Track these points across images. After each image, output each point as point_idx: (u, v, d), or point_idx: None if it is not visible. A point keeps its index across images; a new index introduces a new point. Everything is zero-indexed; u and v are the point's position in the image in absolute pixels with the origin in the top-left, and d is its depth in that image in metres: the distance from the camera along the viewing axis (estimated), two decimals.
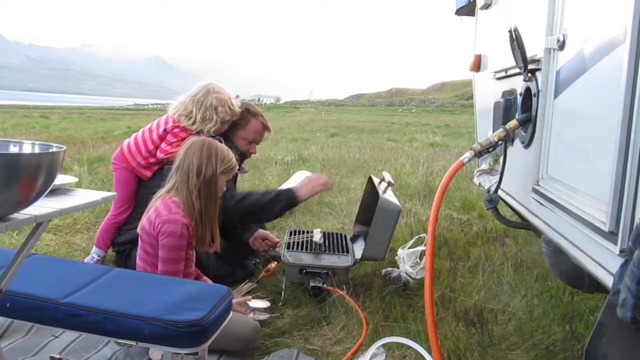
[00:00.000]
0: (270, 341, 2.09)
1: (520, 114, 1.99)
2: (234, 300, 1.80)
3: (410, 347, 1.81)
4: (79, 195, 1.37)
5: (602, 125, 1.30)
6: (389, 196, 2.54)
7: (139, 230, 2.01)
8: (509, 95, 2.18)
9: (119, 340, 1.45)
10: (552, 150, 1.69)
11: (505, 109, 2.16)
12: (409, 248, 2.71)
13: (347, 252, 2.73)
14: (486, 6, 2.68)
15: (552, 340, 2.05)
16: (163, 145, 2.63)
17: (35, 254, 1.87)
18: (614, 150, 1.18)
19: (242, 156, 2.73)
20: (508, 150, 2.07)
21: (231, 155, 2.04)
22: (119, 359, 1.92)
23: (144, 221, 1.99)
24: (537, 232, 1.96)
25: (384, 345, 1.89)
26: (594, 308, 2.28)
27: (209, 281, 2.12)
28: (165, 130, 2.64)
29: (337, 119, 26.11)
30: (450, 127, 19.13)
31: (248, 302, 2.18)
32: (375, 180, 2.78)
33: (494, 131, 2.06)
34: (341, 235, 2.99)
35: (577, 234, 1.41)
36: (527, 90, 1.93)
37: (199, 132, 2.55)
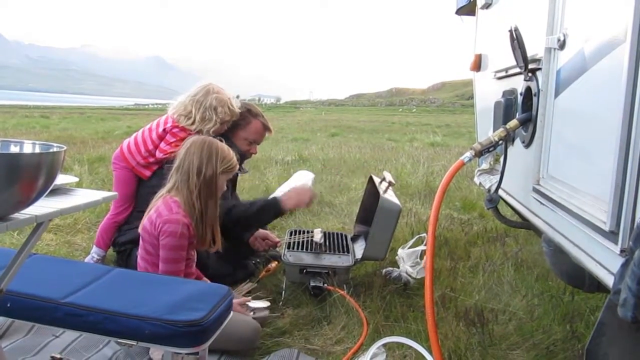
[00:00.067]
0: (270, 341, 2.09)
1: (521, 114, 1.99)
2: (234, 301, 1.80)
3: (410, 347, 1.81)
4: (79, 195, 1.37)
5: (603, 125, 1.30)
6: (390, 196, 2.54)
7: (140, 230, 2.01)
8: (509, 94, 2.18)
9: (119, 340, 1.45)
10: (553, 150, 1.69)
11: (506, 108, 2.16)
12: (409, 248, 2.72)
13: (348, 251, 2.73)
14: (486, 6, 2.68)
15: (552, 340, 2.05)
16: (162, 145, 2.63)
17: (35, 254, 1.87)
18: (614, 150, 1.18)
19: (243, 156, 2.74)
20: (508, 150, 2.07)
21: (232, 154, 2.04)
22: (120, 359, 1.92)
23: (145, 221, 1.99)
24: (538, 232, 1.96)
25: (384, 345, 1.88)
26: (594, 308, 2.28)
27: (209, 282, 2.12)
28: (164, 130, 2.64)
29: (337, 118, 26.11)
30: (450, 127, 19.13)
31: (248, 302, 2.18)
32: (376, 180, 2.78)
33: (494, 131, 2.06)
34: (342, 235, 2.99)
35: (578, 233, 1.41)
36: (528, 89, 1.93)
37: (198, 132, 2.56)
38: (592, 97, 1.41)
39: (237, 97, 2.80)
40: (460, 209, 4.37)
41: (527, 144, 1.95)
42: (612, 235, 1.21)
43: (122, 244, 2.66)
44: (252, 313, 2.15)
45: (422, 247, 2.65)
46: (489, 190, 2.16)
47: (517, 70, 1.98)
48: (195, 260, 2.10)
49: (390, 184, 2.63)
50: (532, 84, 1.88)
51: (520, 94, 2.03)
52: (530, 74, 1.90)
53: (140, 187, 2.70)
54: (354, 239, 2.94)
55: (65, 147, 1.14)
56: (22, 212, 1.12)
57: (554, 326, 2.16)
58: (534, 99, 1.86)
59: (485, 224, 3.83)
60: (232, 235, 2.57)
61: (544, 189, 1.69)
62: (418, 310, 2.29)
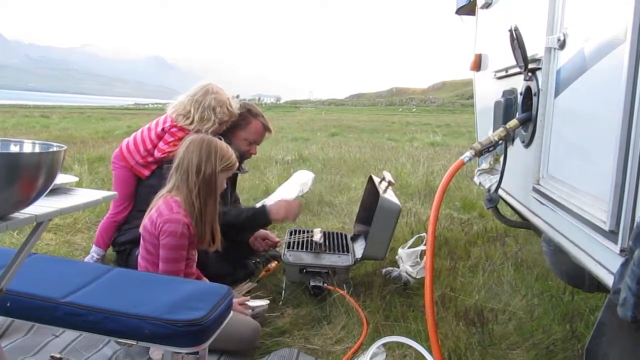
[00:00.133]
0: (270, 340, 2.09)
1: (521, 113, 1.99)
2: (233, 300, 1.80)
3: (410, 347, 1.81)
4: (79, 195, 1.37)
5: (603, 125, 1.30)
6: (390, 196, 2.54)
7: (141, 229, 2.01)
8: (509, 94, 2.18)
9: (119, 340, 1.45)
10: (553, 150, 1.69)
11: (506, 108, 2.16)
12: (409, 247, 2.71)
13: (348, 251, 2.73)
14: (486, 5, 2.68)
15: (552, 340, 2.05)
16: (161, 144, 2.63)
17: (35, 254, 1.87)
18: (614, 150, 1.18)
19: (242, 156, 2.73)
20: (508, 150, 2.07)
21: (231, 152, 2.04)
22: (120, 359, 1.92)
23: (145, 220, 1.98)
24: (538, 232, 1.96)
25: (384, 345, 1.88)
26: (594, 307, 2.28)
27: (209, 282, 2.12)
28: (163, 129, 2.64)
29: (337, 118, 26.12)
30: (450, 127, 19.12)
31: (247, 302, 2.18)
32: (376, 179, 2.78)
33: (494, 130, 2.06)
34: (341, 234, 2.99)
35: (578, 233, 1.41)
36: (528, 89, 1.93)
37: (196, 132, 2.56)
38: (592, 97, 1.41)
39: (237, 96, 2.80)
40: (460, 209, 4.37)
41: (527, 144, 1.95)
42: (612, 235, 1.21)
43: (121, 243, 2.66)
44: (250, 310, 2.15)
45: (422, 247, 2.65)
46: (488, 190, 2.16)
47: (517, 70, 1.98)
48: (196, 260, 2.09)
49: (390, 183, 2.63)
50: (532, 84, 1.88)
51: (520, 94, 2.03)
52: (530, 74, 1.90)
53: (139, 187, 2.71)
54: (354, 238, 2.94)
55: (65, 147, 1.14)
56: (22, 211, 1.12)
57: (554, 326, 2.16)
58: (534, 98, 1.86)
59: (485, 223, 3.83)
60: (231, 236, 2.57)
61: (543, 188, 1.69)
62: (418, 309, 2.29)
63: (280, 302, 2.42)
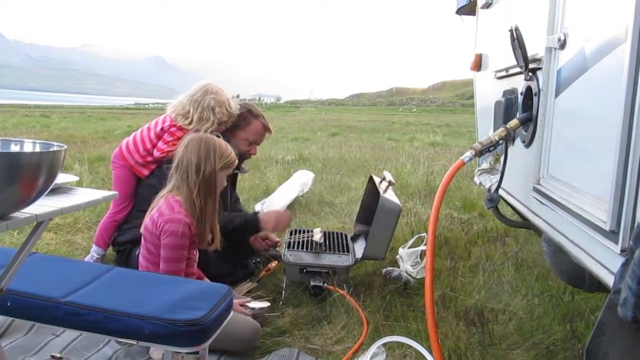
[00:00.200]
0: (270, 340, 2.09)
1: (521, 113, 1.99)
2: (234, 301, 1.80)
3: (410, 347, 1.81)
4: (79, 194, 1.37)
5: (603, 125, 1.30)
6: (390, 195, 2.54)
7: (142, 229, 2.01)
8: (509, 94, 2.18)
9: (119, 340, 1.45)
10: (553, 150, 1.69)
11: (506, 108, 2.16)
12: (409, 247, 2.71)
13: (348, 251, 2.73)
14: (487, 5, 2.68)
15: (552, 340, 2.05)
16: (160, 144, 2.63)
17: (35, 253, 1.87)
18: (614, 149, 1.18)
19: (242, 157, 2.73)
20: (509, 150, 2.07)
21: (230, 150, 2.03)
22: (120, 358, 1.92)
23: (147, 220, 1.98)
24: (538, 232, 1.96)
25: (384, 345, 1.88)
26: (594, 307, 2.28)
27: (209, 282, 2.12)
28: (162, 129, 2.64)
29: (337, 118, 26.11)
30: (450, 127, 19.12)
31: (248, 303, 2.18)
32: (376, 179, 2.78)
33: (494, 130, 2.06)
34: (342, 234, 2.99)
35: (578, 233, 1.41)
36: (528, 89, 1.93)
37: (195, 132, 2.56)
38: (593, 97, 1.41)
39: (237, 96, 2.80)
40: (460, 209, 4.37)
41: (528, 144, 1.95)
42: (612, 235, 1.21)
43: (122, 243, 2.66)
44: (250, 311, 2.14)
45: (422, 247, 2.65)
46: (489, 190, 2.16)
47: (518, 69, 1.98)
48: (197, 260, 2.09)
49: (390, 183, 2.63)
50: (533, 84, 1.88)
51: (521, 94, 2.03)
52: (530, 74, 1.90)
53: (138, 186, 2.71)
54: (354, 238, 2.94)
55: (65, 147, 1.14)
56: (22, 211, 1.12)
57: (554, 326, 2.16)
58: (535, 98, 1.86)
59: (485, 223, 3.83)
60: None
61: (544, 188, 1.69)
62: (418, 309, 2.29)
63: (281, 302, 2.42)
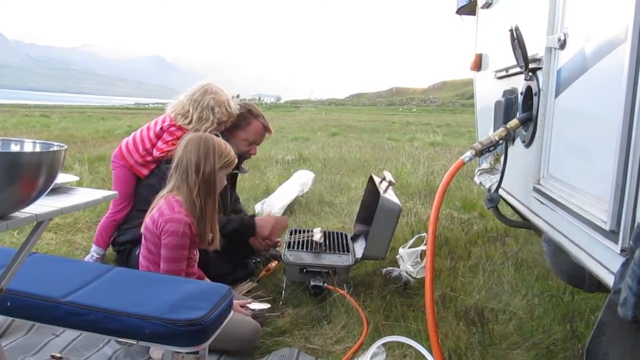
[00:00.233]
0: (270, 340, 2.09)
1: (521, 113, 1.99)
2: (234, 302, 1.80)
3: (410, 346, 1.81)
4: (79, 194, 1.37)
5: (603, 124, 1.30)
6: (390, 195, 2.54)
7: (142, 229, 2.01)
8: (509, 94, 2.18)
9: (119, 339, 1.45)
10: (553, 149, 1.69)
11: (506, 108, 2.16)
12: (409, 247, 2.71)
13: (348, 251, 2.73)
14: (487, 5, 2.68)
15: (552, 340, 2.05)
16: (159, 143, 2.63)
17: (36, 253, 1.87)
18: (615, 149, 1.18)
19: (242, 157, 2.73)
20: (509, 150, 2.07)
21: (229, 149, 2.03)
22: (120, 358, 1.92)
23: (147, 220, 1.98)
24: (538, 231, 1.96)
25: (384, 345, 1.88)
26: (594, 307, 2.28)
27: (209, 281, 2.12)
28: (161, 128, 2.64)
29: (337, 118, 26.12)
30: (450, 127, 19.12)
31: (248, 304, 2.18)
32: (376, 179, 2.78)
33: (494, 130, 2.06)
34: (342, 234, 2.99)
35: (578, 233, 1.41)
36: (528, 89, 1.93)
37: (195, 132, 2.56)
38: (593, 97, 1.41)
39: (238, 96, 2.80)
40: (460, 209, 4.37)
41: (528, 144, 1.95)
42: (612, 235, 1.21)
43: (122, 243, 2.66)
44: (251, 312, 2.14)
45: (422, 247, 2.65)
46: (489, 190, 2.16)
47: (518, 69, 1.97)
48: (197, 260, 2.09)
49: (390, 183, 2.63)
50: (533, 84, 1.88)
51: (521, 94, 2.03)
52: (530, 74, 1.90)
53: (138, 186, 2.71)
54: (354, 238, 2.94)
55: (65, 146, 1.14)
56: (23, 211, 1.12)
57: (554, 326, 2.16)
58: (535, 98, 1.86)
59: (485, 223, 3.83)
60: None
61: (544, 188, 1.69)
62: (418, 309, 2.28)
63: (281, 302, 2.42)
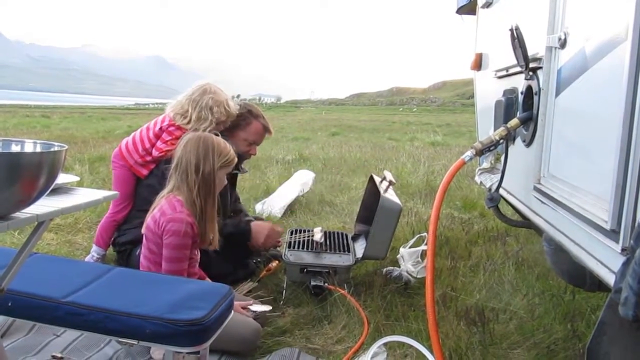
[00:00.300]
0: (271, 340, 2.09)
1: (522, 113, 1.99)
2: (236, 303, 1.80)
3: (411, 346, 1.81)
4: (80, 194, 1.37)
5: (604, 124, 1.30)
6: (390, 195, 2.54)
7: (143, 229, 2.01)
8: (510, 93, 2.18)
9: (120, 339, 1.45)
10: (554, 149, 1.69)
11: (507, 107, 2.16)
12: (410, 247, 2.71)
13: (348, 251, 2.73)
14: (487, 5, 2.68)
15: (553, 339, 2.05)
16: (159, 143, 2.64)
17: (36, 253, 1.87)
18: (615, 149, 1.18)
19: (242, 157, 2.73)
20: (509, 149, 2.07)
21: (228, 148, 2.03)
22: (120, 358, 1.92)
23: (149, 220, 1.98)
24: (539, 231, 1.96)
25: (385, 344, 1.88)
26: (595, 307, 2.28)
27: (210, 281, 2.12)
28: (161, 128, 2.64)
29: (337, 118, 26.12)
30: (451, 126, 19.11)
31: (249, 306, 2.17)
32: (377, 179, 2.78)
33: (495, 130, 2.06)
34: (342, 234, 2.99)
35: (579, 232, 1.41)
36: (529, 88, 1.93)
37: (194, 132, 2.56)
38: (593, 96, 1.41)
39: (238, 96, 2.80)
40: (461, 208, 4.37)
41: (528, 143, 1.95)
42: (613, 234, 1.21)
43: (122, 244, 2.66)
44: (251, 313, 2.14)
45: (423, 247, 2.65)
46: (489, 189, 2.16)
47: (518, 69, 1.97)
48: (199, 260, 2.09)
49: (390, 183, 2.63)
50: (533, 83, 1.88)
51: (521, 93, 2.03)
52: (531, 73, 1.90)
53: (138, 186, 2.71)
54: (355, 238, 2.94)
55: (66, 147, 1.14)
56: (23, 211, 1.12)
57: (555, 325, 2.16)
58: (535, 97, 1.86)
59: (486, 223, 3.83)
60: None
61: (544, 187, 1.68)
62: (419, 309, 2.28)
63: (281, 302, 2.42)
